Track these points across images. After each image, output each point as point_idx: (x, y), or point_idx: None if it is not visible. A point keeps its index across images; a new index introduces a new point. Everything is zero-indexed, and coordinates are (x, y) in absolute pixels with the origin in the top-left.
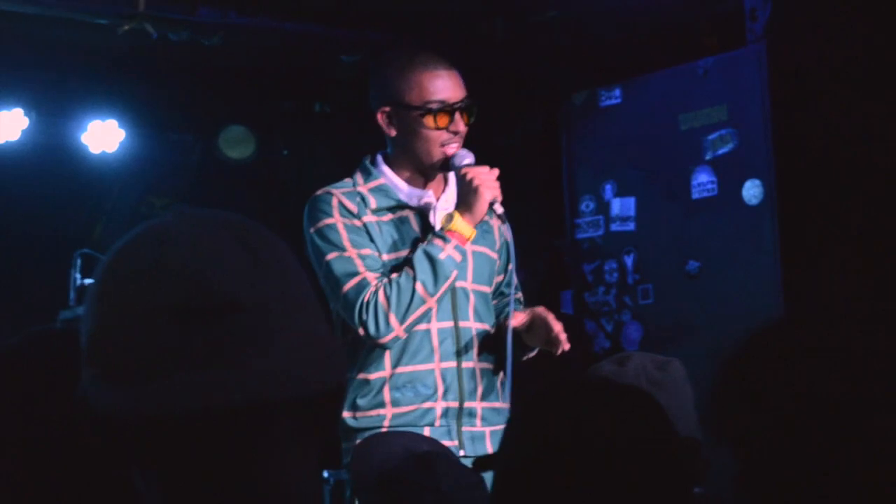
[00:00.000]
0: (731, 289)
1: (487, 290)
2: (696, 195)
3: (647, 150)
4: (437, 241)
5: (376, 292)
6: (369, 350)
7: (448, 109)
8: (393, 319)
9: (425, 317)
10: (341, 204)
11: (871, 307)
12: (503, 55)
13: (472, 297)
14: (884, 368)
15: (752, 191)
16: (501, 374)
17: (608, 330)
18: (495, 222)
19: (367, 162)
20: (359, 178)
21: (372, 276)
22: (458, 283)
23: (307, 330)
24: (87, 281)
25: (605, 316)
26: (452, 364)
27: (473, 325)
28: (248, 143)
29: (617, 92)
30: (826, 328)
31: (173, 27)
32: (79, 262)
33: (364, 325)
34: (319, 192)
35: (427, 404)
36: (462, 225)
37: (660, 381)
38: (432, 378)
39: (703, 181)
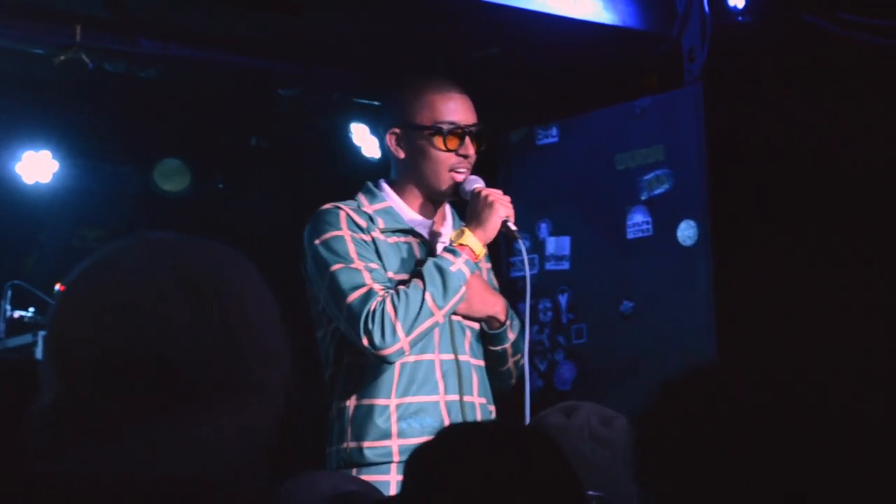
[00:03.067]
0: (664, 329)
1: (478, 323)
2: (631, 235)
3: (584, 189)
4: (447, 255)
5: (383, 301)
6: (375, 375)
7: (458, 132)
8: (399, 329)
9: (429, 336)
10: (350, 217)
11: (786, 359)
12: None
13: (468, 332)
14: (782, 423)
15: (686, 231)
16: (493, 410)
17: (541, 369)
18: (484, 265)
19: (371, 185)
20: (363, 199)
21: (379, 287)
22: (455, 318)
23: (248, 378)
24: (18, 313)
25: (539, 355)
26: (455, 398)
27: (471, 360)
28: (184, 176)
29: (554, 130)
30: (732, 381)
31: (110, 58)
32: (9, 293)
33: (369, 334)
34: (325, 206)
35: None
36: (473, 240)
37: (604, 438)
38: (438, 411)
39: (638, 221)
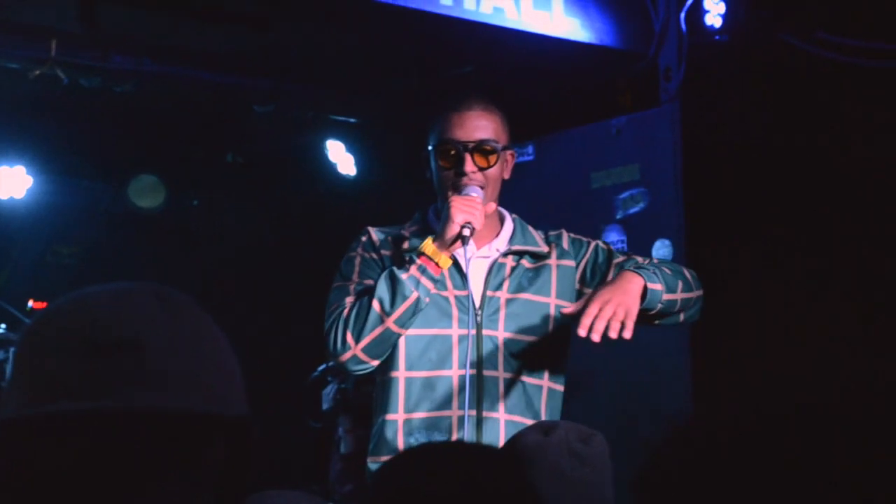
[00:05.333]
0: (637, 347)
1: (530, 338)
2: None
3: (559, 207)
4: (408, 264)
5: (342, 312)
6: (387, 391)
7: (453, 149)
8: (349, 337)
9: (447, 351)
10: (369, 239)
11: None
12: (417, 109)
13: (501, 345)
14: None
15: (661, 250)
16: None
17: None
18: (554, 263)
19: (420, 210)
20: (408, 224)
21: (349, 300)
22: (486, 331)
23: (203, 378)
24: None
25: None
26: (472, 413)
27: (502, 375)
28: (158, 193)
29: (530, 149)
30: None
31: (85, 73)
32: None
33: (327, 344)
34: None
35: None
36: (430, 247)
37: (583, 455)
38: (449, 426)
39: (613, 240)
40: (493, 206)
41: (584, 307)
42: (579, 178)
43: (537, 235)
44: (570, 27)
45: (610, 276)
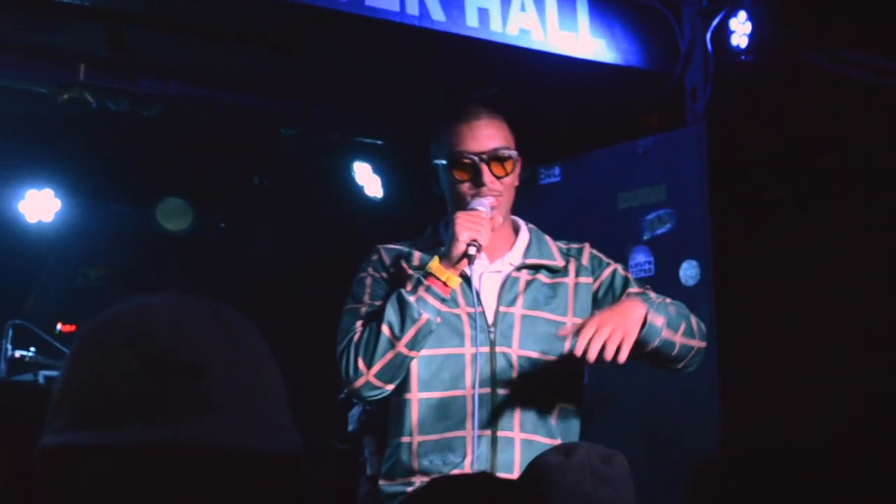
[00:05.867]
0: (666, 371)
1: (546, 357)
2: (633, 275)
3: (586, 228)
4: (416, 285)
5: (352, 338)
6: (400, 413)
7: (467, 161)
8: (361, 364)
9: (459, 370)
10: (380, 258)
11: None
12: None
13: (516, 363)
14: None
15: (689, 271)
16: (559, 439)
17: None
18: (571, 281)
19: (431, 225)
20: (420, 239)
21: (360, 325)
22: (500, 348)
23: (266, 409)
24: (19, 352)
25: None
26: (487, 433)
27: (517, 394)
28: (186, 216)
29: (556, 170)
30: None
31: (113, 97)
32: (10, 332)
33: (340, 371)
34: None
35: (456, 472)
36: (437, 267)
37: (605, 475)
38: (463, 446)
39: (640, 261)
40: (499, 219)
41: (582, 327)
42: (606, 200)
43: (554, 248)
44: (596, 48)
45: None
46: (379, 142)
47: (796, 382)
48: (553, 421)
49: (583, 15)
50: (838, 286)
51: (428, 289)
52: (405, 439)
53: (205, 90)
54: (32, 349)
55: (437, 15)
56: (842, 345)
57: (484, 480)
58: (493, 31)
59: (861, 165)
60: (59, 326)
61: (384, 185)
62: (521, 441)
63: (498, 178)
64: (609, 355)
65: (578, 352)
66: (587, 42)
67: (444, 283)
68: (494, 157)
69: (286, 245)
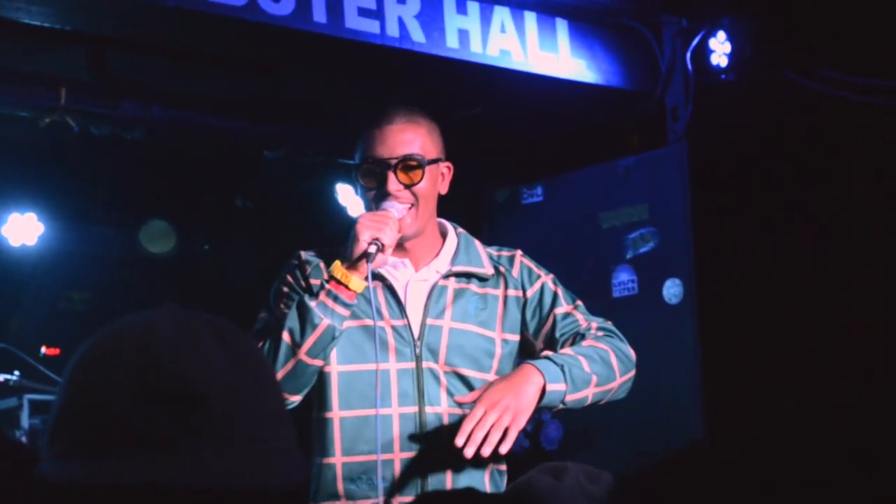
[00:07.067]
0: (650, 388)
1: (474, 373)
2: (616, 294)
3: (569, 247)
4: (319, 290)
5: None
6: (323, 431)
7: (375, 167)
8: None
9: (385, 387)
10: (299, 264)
11: None
12: None
13: (443, 379)
14: None
15: (672, 290)
16: (492, 466)
17: (527, 429)
18: (501, 294)
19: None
20: (343, 244)
21: (267, 333)
22: (426, 364)
23: (267, 434)
24: (3, 376)
25: None
26: (411, 454)
27: (446, 411)
28: (169, 238)
29: (539, 190)
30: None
31: (95, 121)
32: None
33: None
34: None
35: (384, 499)
36: (339, 270)
37: (595, 496)
38: (391, 470)
39: (623, 279)
40: (410, 224)
41: (473, 405)
42: (589, 219)
43: (484, 255)
44: (577, 68)
45: (547, 326)
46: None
47: (781, 400)
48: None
49: (563, 35)
50: (821, 304)
51: (328, 293)
52: (329, 460)
53: (187, 113)
54: (17, 373)
55: (418, 36)
56: (826, 362)
57: (473, 498)
58: (473, 51)
59: (842, 184)
60: (43, 350)
61: (367, 207)
62: (454, 462)
63: (406, 185)
64: (488, 449)
65: (460, 441)
66: (567, 62)
67: (346, 286)
68: (403, 165)
69: (269, 267)
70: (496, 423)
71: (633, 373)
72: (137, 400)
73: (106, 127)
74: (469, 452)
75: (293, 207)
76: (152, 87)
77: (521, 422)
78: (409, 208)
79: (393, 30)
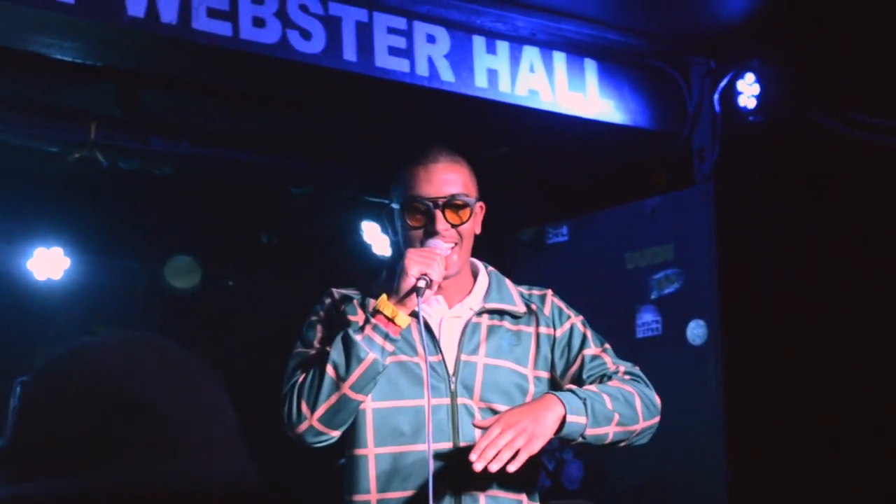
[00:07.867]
0: (673, 428)
1: (508, 408)
2: (640, 334)
3: (593, 287)
4: (364, 324)
5: (297, 381)
6: (355, 469)
7: (422, 206)
8: (305, 407)
9: (419, 424)
10: (332, 301)
11: None
12: None
13: (478, 415)
14: None
15: (696, 331)
16: (526, 502)
17: (549, 468)
18: (534, 331)
19: (387, 268)
20: (374, 282)
21: (306, 368)
22: (461, 400)
23: (209, 437)
24: None
25: (547, 454)
26: (449, 490)
27: None
28: (194, 274)
29: (564, 229)
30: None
31: (124, 156)
32: (19, 390)
33: (282, 416)
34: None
35: None
36: (383, 303)
37: None
38: None
39: (647, 320)
40: (456, 261)
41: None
42: (614, 259)
43: (515, 292)
44: (605, 108)
45: (575, 367)
46: (387, 201)
47: (805, 443)
48: (516, 476)
49: (591, 76)
50: (846, 346)
51: (375, 327)
52: (361, 498)
53: (215, 149)
54: None
55: (447, 76)
56: (850, 404)
57: None
58: (501, 91)
59: (868, 227)
60: None
61: (393, 244)
62: (487, 498)
63: (453, 225)
64: (496, 465)
65: (473, 457)
66: (595, 102)
67: (392, 321)
68: (450, 204)
69: (294, 304)
70: (509, 442)
71: (657, 419)
72: (85, 419)
73: (135, 162)
74: (477, 467)
75: (318, 244)
76: (182, 123)
77: (535, 446)
78: (454, 247)
79: (423, 69)
